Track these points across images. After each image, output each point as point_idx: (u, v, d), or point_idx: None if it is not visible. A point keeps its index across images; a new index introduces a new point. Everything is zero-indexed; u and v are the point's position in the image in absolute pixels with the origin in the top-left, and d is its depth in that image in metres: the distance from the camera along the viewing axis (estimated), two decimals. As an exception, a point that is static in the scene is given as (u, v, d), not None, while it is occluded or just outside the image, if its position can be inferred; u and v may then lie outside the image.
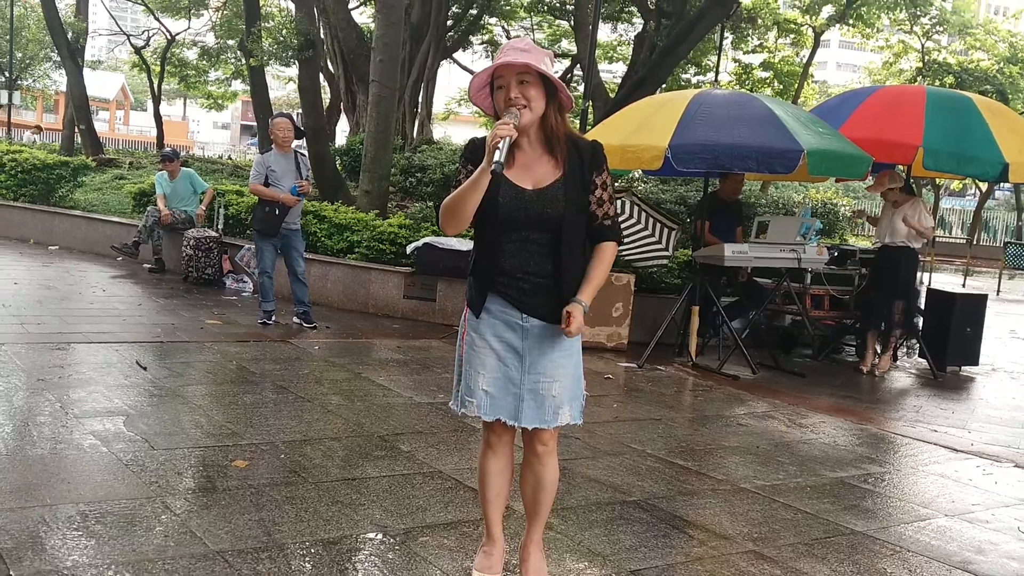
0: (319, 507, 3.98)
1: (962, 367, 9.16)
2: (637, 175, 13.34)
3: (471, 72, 26.07)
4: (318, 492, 4.17)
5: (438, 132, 26.34)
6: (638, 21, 20.98)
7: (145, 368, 6.30)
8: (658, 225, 9.34)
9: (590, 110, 12.89)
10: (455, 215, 3.00)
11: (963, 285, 18.98)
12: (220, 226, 11.09)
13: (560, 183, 3.04)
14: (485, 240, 3.10)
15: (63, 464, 4.25)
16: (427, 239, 9.35)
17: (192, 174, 11.74)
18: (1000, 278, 19.83)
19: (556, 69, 3.15)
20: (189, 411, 5.38)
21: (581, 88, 15.26)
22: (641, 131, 7.81)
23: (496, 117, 3.03)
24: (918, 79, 26.27)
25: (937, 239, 23.45)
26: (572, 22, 20.31)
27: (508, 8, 22.67)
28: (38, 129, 28.45)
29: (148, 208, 11.51)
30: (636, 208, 9.39)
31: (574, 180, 3.06)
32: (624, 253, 8.86)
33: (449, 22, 19.82)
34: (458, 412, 3.19)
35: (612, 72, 28.24)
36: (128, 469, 4.26)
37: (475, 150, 3.05)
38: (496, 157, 2.82)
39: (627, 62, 21.46)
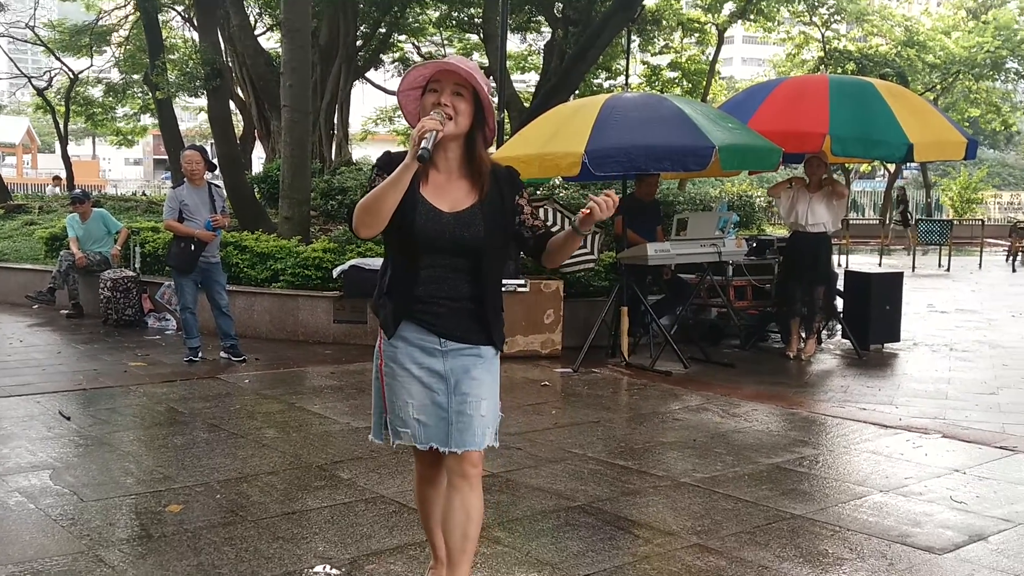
0: (260, 545, 3.91)
1: (884, 344, 9.40)
2: (557, 182, 13.44)
3: (385, 91, 25.97)
4: (258, 530, 4.09)
5: (357, 153, 26.20)
6: (546, 30, 21.18)
7: (69, 418, 6.12)
8: (581, 230, 9.41)
9: (506, 120, 12.96)
10: (371, 214, 2.87)
11: (879, 264, 19.52)
12: (137, 265, 10.85)
13: (477, 207, 2.97)
14: (399, 264, 3.01)
15: (-11, 525, 4.11)
16: (353, 261, 9.28)
17: (105, 214, 11.47)
18: (914, 255, 20.43)
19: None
20: (118, 458, 5.24)
21: (496, 100, 15.32)
22: (557, 138, 7.88)
23: (413, 124, 2.97)
24: (821, 68, 27.01)
25: (851, 221, 24.14)
26: (481, 35, 20.38)
27: (416, 25, 22.68)
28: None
29: (61, 252, 11.21)
30: (559, 215, 9.45)
31: (494, 205, 3.00)
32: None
33: (359, 42, 19.73)
34: (392, 444, 3.11)
35: (525, 82, 28.46)
36: (58, 524, 4.13)
37: (389, 161, 2.96)
38: (424, 144, 2.74)
39: (539, 71, 21.62)
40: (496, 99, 10.29)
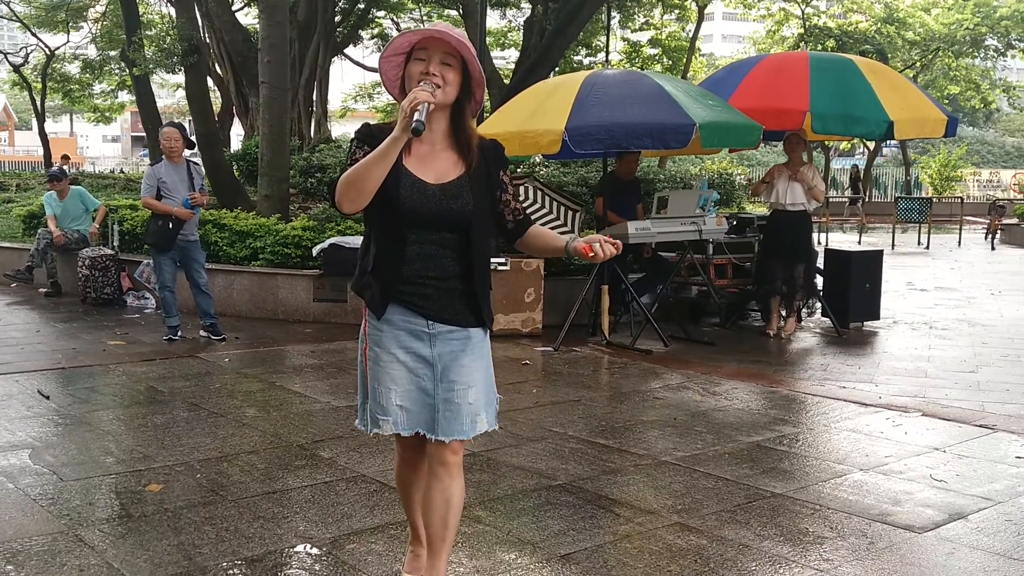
0: (240, 525, 3.90)
1: (864, 322, 9.45)
2: (538, 160, 13.41)
3: (364, 67, 25.79)
4: (238, 509, 4.08)
5: (336, 130, 26.05)
6: (526, 6, 21.06)
7: (48, 397, 6.07)
8: (562, 208, 9.42)
9: (486, 97, 12.89)
10: (356, 189, 2.76)
11: (859, 242, 19.61)
12: (116, 243, 10.76)
13: (465, 179, 2.90)
14: (383, 241, 2.91)
15: (-34, 507, 4.07)
16: (333, 239, 9.22)
17: (82, 192, 11.35)
18: (894, 232, 20.53)
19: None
20: (97, 438, 5.20)
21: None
22: (537, 116, 7.84)
23: (397, 92, 2.91)
24: (801, 45, 27.03)
25: (830, 199, 24.26)
26: (461, 11, 20.23)
27: (395, 0, 22.50)
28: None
29: (39, 230, 11.09)
30: (539, 193, 9.43)
31: (479, 177, 2.93)
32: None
33: (337, 18, 19.55)
34: (369, 432, 3.01)
35: (505, 58, 28.33)
36: (37, 504, 4.10)
37: (370, 134, 2.88)
38: (417, 117, 2.65)
39: (519, 48, 21.52)
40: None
